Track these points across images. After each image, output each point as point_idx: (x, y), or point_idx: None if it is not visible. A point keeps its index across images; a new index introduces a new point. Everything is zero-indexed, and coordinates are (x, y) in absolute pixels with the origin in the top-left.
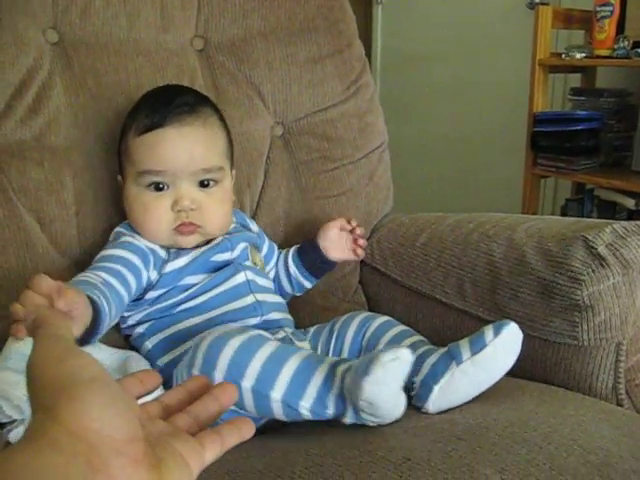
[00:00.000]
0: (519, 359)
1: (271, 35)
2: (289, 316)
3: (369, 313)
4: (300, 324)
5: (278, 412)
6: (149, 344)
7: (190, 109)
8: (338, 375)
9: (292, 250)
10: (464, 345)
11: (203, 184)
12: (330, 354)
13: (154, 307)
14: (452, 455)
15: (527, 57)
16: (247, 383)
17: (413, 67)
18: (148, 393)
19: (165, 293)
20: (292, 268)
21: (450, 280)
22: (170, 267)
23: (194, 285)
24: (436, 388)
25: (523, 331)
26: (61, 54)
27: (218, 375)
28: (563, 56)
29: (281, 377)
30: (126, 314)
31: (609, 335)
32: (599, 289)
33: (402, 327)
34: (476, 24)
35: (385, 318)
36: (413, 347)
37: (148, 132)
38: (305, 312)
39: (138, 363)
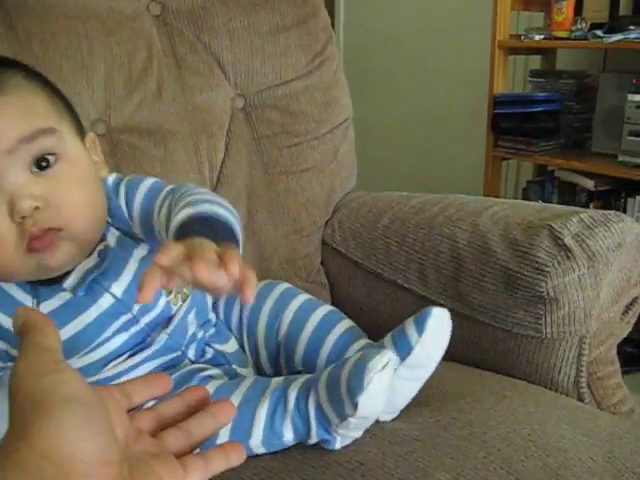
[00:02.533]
0: (482, 349)
1: (232, 3)
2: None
3: (286, 286)
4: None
5: None
6: None
7: None
8: (292, 396)
9: None
10: (391, 349)
11: (40, 166)
12: (246, 347)
13: None
14: (407, 459)
15: (488, 38)
16: None
17: (375, 45)
18: (155, 399)
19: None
20: None
21: (412, 265)
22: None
23: (103, 366)
24: None
25: (485, 321)
26: (2, 19)
27: None
28: (522, 38)
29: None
30: None
31: (573, 328)
32: (564, 281)
33: (325, 308)
34: (439, 4)
35: (304, 298)
36: (343, 347)
37: None
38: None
39: None
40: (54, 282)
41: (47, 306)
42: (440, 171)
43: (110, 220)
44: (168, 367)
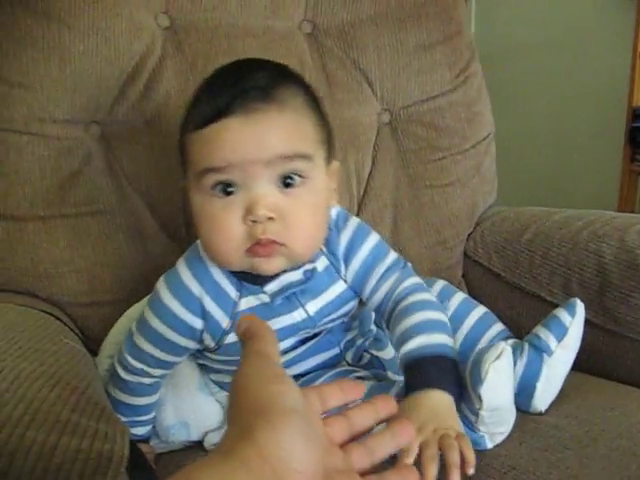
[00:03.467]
0: (628, 365)
1: (380, 20)
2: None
3: (444, 283)
4: None
5: None
6: (212, 377)
7: (262, 93)
8: None
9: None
10: (545, 335)
11: (286, 183)
12: None
13: (219, 365)
14: (559, 466)
15: (626, 49)
16: None
17: (508, 59)
18: (346, 404)
19: (232, 362)
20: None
21: (556, 279)
22: (232, 338)
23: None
24: (539, 385)
25: (632, 337)
26: (172, 38)
27: None
28: None
29: None
30: None
31: None
32: None
33: (480, 310)
34: (575, 11)
35: (461, 297)
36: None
37: (206, 125)
38: None
39: None
40: (257, 283)
41: (247, 302)
42: (574, 185)
43: (324, 249)
44: (327, 366)
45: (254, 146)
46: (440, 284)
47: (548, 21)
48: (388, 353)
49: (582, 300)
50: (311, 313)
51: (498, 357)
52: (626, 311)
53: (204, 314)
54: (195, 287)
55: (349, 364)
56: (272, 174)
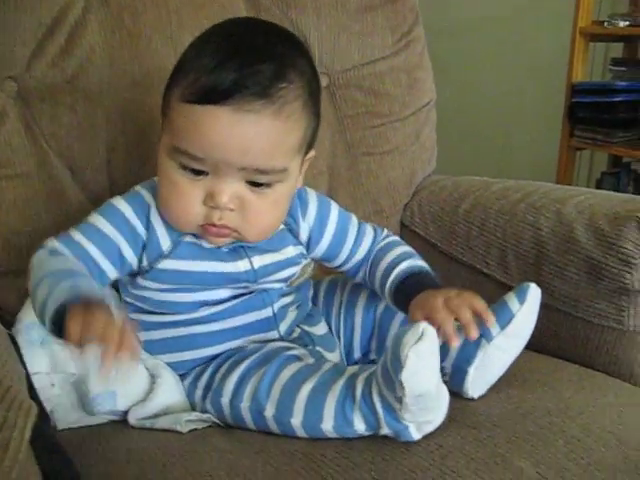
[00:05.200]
0: (560, 339)
1: None
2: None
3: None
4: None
5: (304, 437)
6: (143, 336)
7: (262, 92)
8: (359, 387)
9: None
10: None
11: (254, 183)
12: (341, 327)
13: (145, 301)
14: (487, 444)
15: (568, 25)
16: (269, 412)
17: (452, 32)
18: None
19: (164, 290)
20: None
21: (492, 251)
22: (167, 265)
23: (203, 304)
24: (471, 370)
25: (566, 310)
26: None
27: (245, 404)
28: (605, 24)
29: (297, 403)
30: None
31: None
32: None
33: None
34: None
35: None
36: None
37: (197, 104)
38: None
39: None
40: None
41: (193, 236)
42: (514, 158)
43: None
44: (260, 338)
45: (235, 150)
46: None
47: None
48: (320, 329)
49: (517, 273)
50: (255, 267)
51: (419, 339)
52: (561, 285)
53: (148, 224)
54: (147, 195)
55: (281, 337)
56: (243, 176)
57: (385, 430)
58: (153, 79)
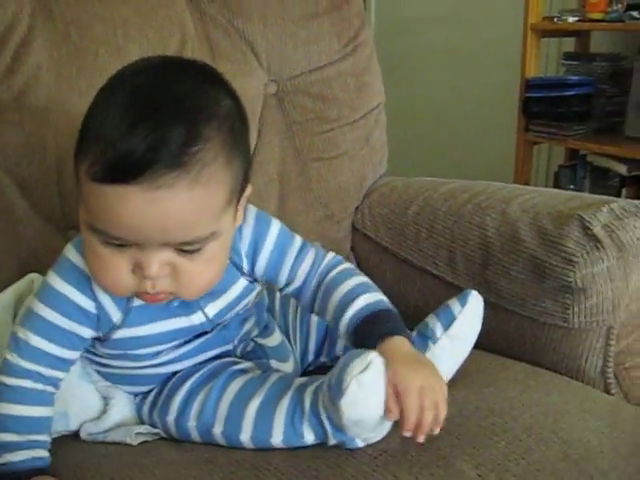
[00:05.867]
0: (509, 338)
1: None
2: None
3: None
4: None
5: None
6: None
7: (174, 161)
8: (307, 399)
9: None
10: (433, 323)
11: (183, 250)
12: (297, 334)
13: (104, 358)
14: (430, 447)
15: (521, 21)
16: (217, 429)
17: (406, 31)
18: None
19: (117, 355)
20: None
21: (441, 252)
22: (121, 334)
23: (158, 353)
24: None
25: (513, 309)
26: (41, 6)
27: (191, 423)
28: (555, 20)
29: (246, 419)
30: None
31: (600, 318)
32: (592, 272)
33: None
34: None
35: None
36: None
37: (105, 184)
38: None
39: None
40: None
41: (140, 301)
42: (471, 155)
43: None
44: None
45: (154, 230)
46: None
47: None
48: (274, 340)
49: (466, 273)
50: (210, 316)
51: (364, 369)
52: (507, 284)
53: (95, 298)
54: (85, 268)
55: (236, 355)
56: (169, 246)
57: (332, 441)
58: None
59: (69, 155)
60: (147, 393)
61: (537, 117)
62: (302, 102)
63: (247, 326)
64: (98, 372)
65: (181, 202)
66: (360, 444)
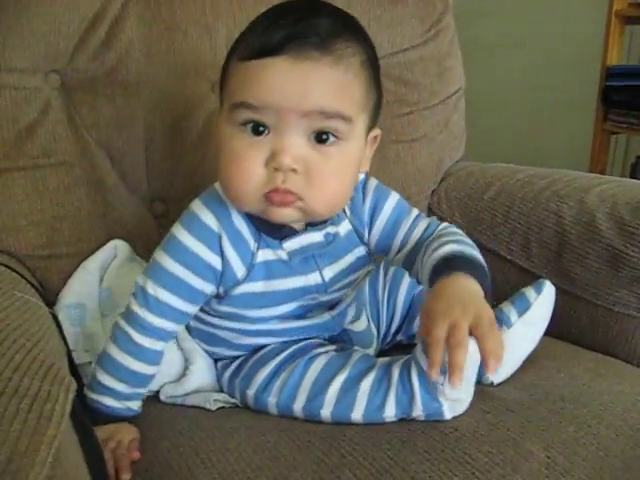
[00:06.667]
0: (581, 326)
1: None
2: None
3: None
4: None
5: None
6: (192, 331)
7: (320, 42)
8: (395, 371)
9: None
10: (508, 309)
11: (320, 138)
12: (384, 314)
13: (214, 321)
14: (499, 428)
15: (601, 7)
16: (298, 405)
17: (485, 17)
18: None
19: (230, 315)
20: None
21: (516, 237)
22: (242, 289)
23: (274, 318)
24: None
25: (586, 298)
26: None
27: (272, 400)
28: None
29: (329, 394)
30: None
31: None
32: None
33: None
34: None
35: None
36: None
37: (254, 59)
38: None
39: None
40: (277, 237)
41: (264, 255)
42: (548, 142)
43: (348, 213)
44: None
45: (296, 94)
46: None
47: None
48: (360, 325)
49: (540, 259)
50: (326, 278)
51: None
52: (582, 272)
53: (222, 255)
54: (214, 224)
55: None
56: (307, 126)
57: (418, 411)
58: (189, 70)
59: (157, 129)
60: (230, 362)
61: (617, 106)
62: (383, 84)
63: (350, 313)
64: (198, 330)
65: (324, 73)
66: (447, 414)
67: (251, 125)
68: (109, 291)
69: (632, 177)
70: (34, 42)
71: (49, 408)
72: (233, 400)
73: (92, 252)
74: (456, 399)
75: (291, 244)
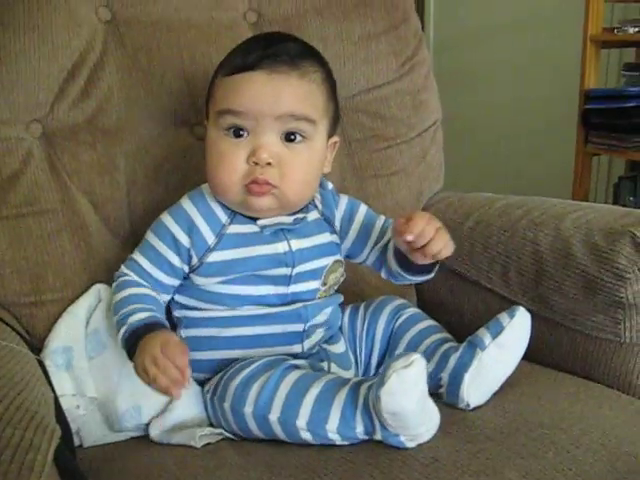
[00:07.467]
0: (561, 351)
1: (325, 11)
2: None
3: (400, 302)
4: (349, 301)
5: (308, 439)
6: (182, 334)
7: (289, 60)
8: (362, 392)
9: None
10: (483, 333)
11: (289, 138)
12: (362, 346)
13: (193, 295)
14: (479, 457)
15: (580, 32)
16: (273, 416)
17: (464, 43)
18: None
19: (213, 284)
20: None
21: (495, 267)
22: (214, 257)
23: (247, 301)
24: (467, 376)
25: (566, 324)
26: (113, 32)
27: (247, 409)
28: (616, 31)
29: (304, 405)
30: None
31: None
32: None
33: (429, 322)
34: (525, 0)
35: (414, 311)
36: (436, 344)
37: (235, 74)
38: (357, 289)
39: None
40: (251, 218)
41: (236, 228)
42: (530, 167)
43: (319, 206)
44: (284, 351)
45: (271, 100)
46: (397, 301)
47: (505, 5)
48: (338, 348)
49: (519, 287)
50: (293, 249)
51: (407, 366)
52: (559, 299)
53: (191, 230)
54: (189, 208)
55: (303, 352)
56: (279, 128)
57: (378, 436)
58: (168, 114)
59: (138, 173)
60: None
61: (597, 129)
62: (360, 120)
63: (319, 319)
64: (189, 338)
65: (292, 84)
66: (408, 444)
67: (233, 130)
68: (96, 332)
69: (615, 198)
70: (15, 94)
71: (30, 458)
72: (218, 431)
73: (77, 297)
74: (411, 436)
75: (264, 221)
